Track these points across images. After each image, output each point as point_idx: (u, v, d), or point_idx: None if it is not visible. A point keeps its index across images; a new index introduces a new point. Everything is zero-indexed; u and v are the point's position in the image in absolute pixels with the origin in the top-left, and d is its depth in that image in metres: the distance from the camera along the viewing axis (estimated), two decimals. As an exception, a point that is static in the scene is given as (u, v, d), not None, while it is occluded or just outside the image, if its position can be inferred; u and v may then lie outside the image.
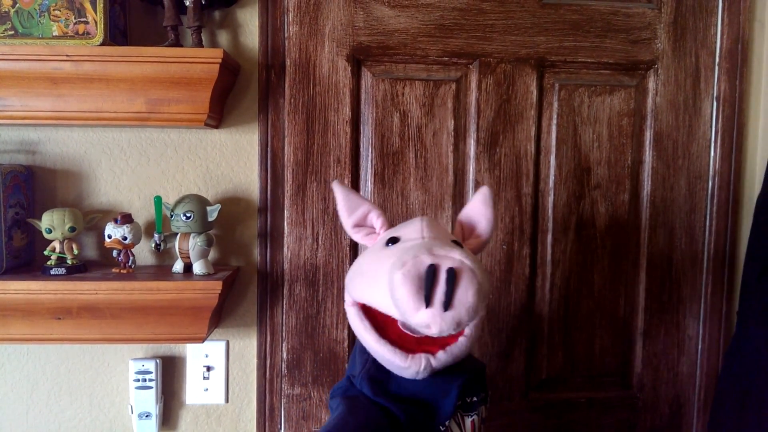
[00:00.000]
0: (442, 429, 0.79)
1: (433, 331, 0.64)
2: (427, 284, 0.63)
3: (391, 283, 0.64)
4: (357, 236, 0.86)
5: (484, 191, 0.88)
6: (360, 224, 0.86)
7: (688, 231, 1.25)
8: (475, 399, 0.84)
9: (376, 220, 0.85)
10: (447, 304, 0.63)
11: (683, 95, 1.23)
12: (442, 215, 1.18)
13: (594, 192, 1.22)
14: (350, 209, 0.85)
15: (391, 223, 0.86)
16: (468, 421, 0.84)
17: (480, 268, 0.68)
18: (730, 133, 1.23)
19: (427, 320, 0.63)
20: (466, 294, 0.64)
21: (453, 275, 0.63)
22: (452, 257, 0.65)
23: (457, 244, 0.79)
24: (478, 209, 0.87)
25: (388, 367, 0.77)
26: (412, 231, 0.78)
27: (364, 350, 0.81)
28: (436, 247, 0.67)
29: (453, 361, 0.75)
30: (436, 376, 0.78)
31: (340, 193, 0.86)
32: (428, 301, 0.63)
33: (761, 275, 1.05)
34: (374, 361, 0.80)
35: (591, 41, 1.19)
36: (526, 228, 1.20)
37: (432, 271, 0.63)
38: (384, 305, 0.73)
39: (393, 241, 0.78)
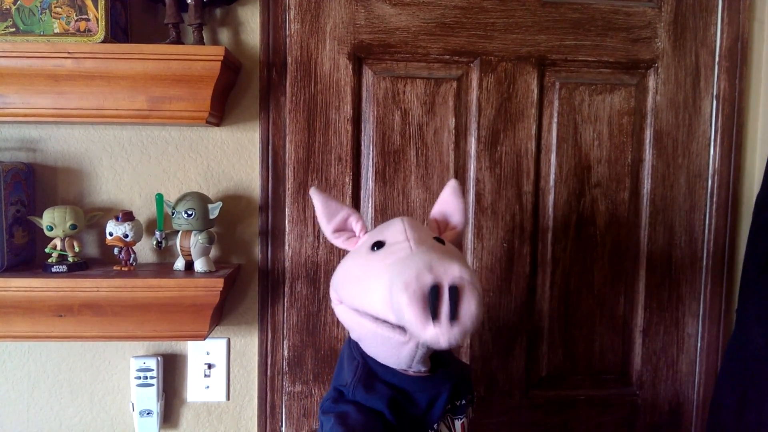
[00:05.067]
0: None
1: (443, 344, 0.67)
2: (432, 303, 0.66)
3: (399, 305, 0.67)
4: (338, 241, 0.87)
5: (452, 184, 0.89)
6: (340, 229, 0.87)
7: (688, 229, 1.25)
8: (463, 402, 0.85)
9: (355, 224, 0.86)
10: (453, 318, 0.66)
11: (683, 94, 1.23)
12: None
13: (594, 190, 1.22)
14: (329, 215, 0.86)
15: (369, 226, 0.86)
16: (458, 423, 0.85)
17: (475, 277, 0.71)
18: (730, 132, 1.23)
19: (436, 335, 0.66)
20: (469, 306, 0.67)
21: (456, 291, 0.66)
22: (452, 273, 0.68)
23: (439, 240, 0.80)
24: (449, 202, 0.89)
25: (385, 355, 0.78)
26: (396, 233, 0.79)
27: (353, 357, 0.82)
28: (434, 263, 0.68)
29: None
30: (426, 381, 0.79)
31: (318, 199, 0.86)
32: (435, 318, 0.66)
33: (760, 273, 1.05)
34: (365, 366, 0.80)
35: (591, 40, 1.19)
36: (526, 226, 1.21)
37: (435, 290, 0.66)
38: (381, 311, 0.74)
39: (378, 245, 0.79)
